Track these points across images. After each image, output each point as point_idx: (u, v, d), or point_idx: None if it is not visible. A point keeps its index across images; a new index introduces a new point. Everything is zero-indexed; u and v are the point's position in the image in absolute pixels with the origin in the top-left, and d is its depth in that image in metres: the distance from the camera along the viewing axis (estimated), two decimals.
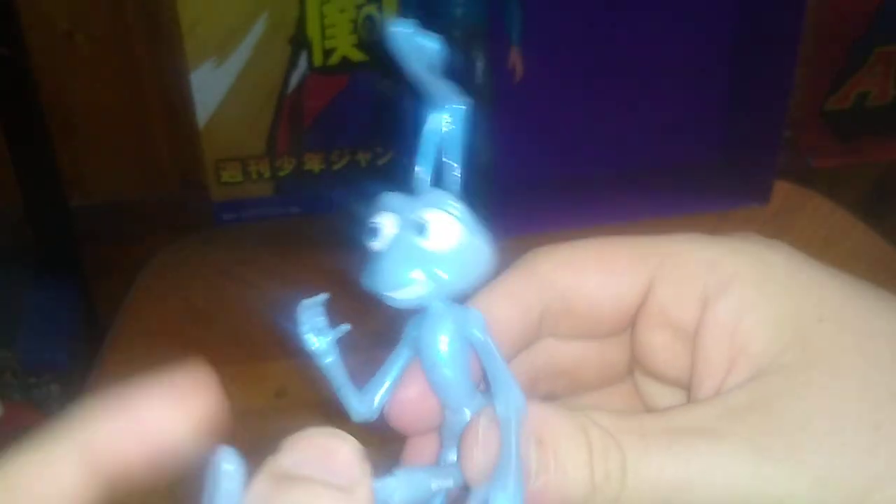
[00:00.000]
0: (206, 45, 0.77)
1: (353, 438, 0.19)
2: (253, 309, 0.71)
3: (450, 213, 0.21)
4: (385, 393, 0.24)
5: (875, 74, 0.93)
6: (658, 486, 0.20)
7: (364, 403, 0.24)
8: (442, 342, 0.22)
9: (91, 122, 0.89)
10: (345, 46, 0.78)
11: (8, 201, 0.89)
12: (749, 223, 0.77)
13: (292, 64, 0.78)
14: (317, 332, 0.23)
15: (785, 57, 0.73)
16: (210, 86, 0.78)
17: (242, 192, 0.82)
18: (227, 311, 0.71)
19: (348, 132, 0.81)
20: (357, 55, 0.79)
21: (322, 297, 0.23)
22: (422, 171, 0.22)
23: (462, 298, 0.23)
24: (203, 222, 0.84)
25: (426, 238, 0.21)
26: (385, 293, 0.22)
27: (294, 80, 0.79)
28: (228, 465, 0.20)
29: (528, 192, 0.81)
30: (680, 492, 0.20)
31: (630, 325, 0.26)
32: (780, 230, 0.76)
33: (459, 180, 0.22)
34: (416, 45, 0.21)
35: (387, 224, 0.22)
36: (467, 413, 0.22)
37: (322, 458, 0.18)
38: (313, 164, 0.82)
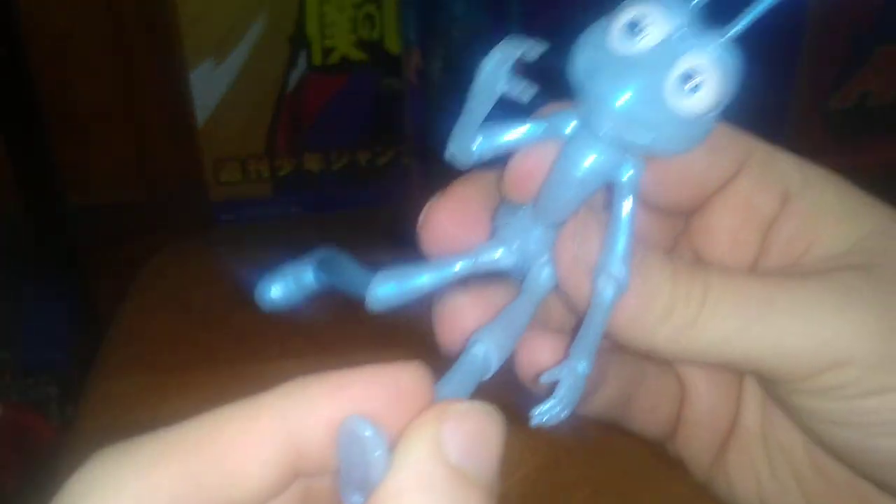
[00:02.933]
0: (205, 44, 0.76)
1: (502, 421, 0.19)
2: (252, 309, 0.71)
3: (724, 73, 0.19)
4: (492, 140, 0.22)
5: (877, 74, 0.93)
6: (737, 315, 0.21)
7: (467, 140, 0.22)
8: (589, 157, 0.21)
9: (90, 122, 0.89)
10: (344, 45, 0.78)
11: (6, 201, 0.89)
12: None
13: (291, 63, 0.78)
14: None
15: (786, 56, 0.73)
16: (209, 85, 0.78)
17: (241, 192, 0.82)
18: (227, 312, 0.71)
19: (348, 131, 0.81)
20: (357, 54, 0.78)
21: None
22: None
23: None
24: (202, 222, 0.84)
25: (683, 92, 0.19)
26: (601, 101, 0.19)
27: (293, 79, 0.79)
28: (367, 431, 0.19)
29: None
30: (755, 325, 0.21)
31: (701, 203, 0.25)
32: None
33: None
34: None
35: (653, 31, 0.18)
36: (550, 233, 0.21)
37: (484, 453, 0.18)
38: (313, 163, 0.82)
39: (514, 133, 0.22)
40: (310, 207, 0.83)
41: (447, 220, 0.23)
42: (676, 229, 0.26)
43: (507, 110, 0.21)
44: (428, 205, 0.23)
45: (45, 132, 0.87)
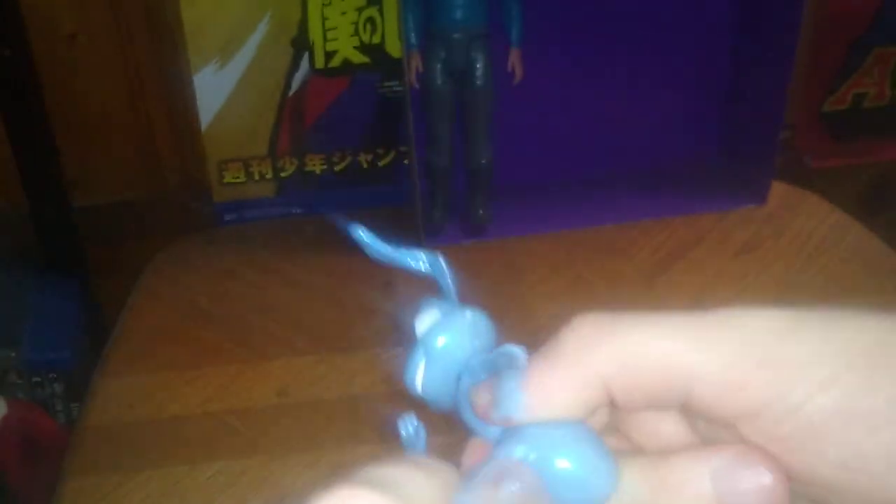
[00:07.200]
0: (209, 47, 0.77)
1: None
2: (255, 308, 0.72)
3: (430, 308, 0.25)
4: None
5: (873, 75, 0.94)
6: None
7: None
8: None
9: (94, 124, 0.90)
10: (346, 48, 0.79)
11: (12, 202, 0.89)
12: (747, 223, 0.77)
13: (294, 66, 0.79)
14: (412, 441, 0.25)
15: (783, 58, 0.74)
16: (213, 87, 0.78)
17: (244, 192, 0.83)
18: (230, 311, 0.71)
19: (349, 133, 0.82)
20: (358, 57, 0.79)
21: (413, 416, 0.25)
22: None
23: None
24: (205, 223, 0.85)
25: (417, 332, 0.25)
26: (412, 390, 0.25)
27: (296, 81, 0.79)
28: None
29: (528, 192, 0.82)
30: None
31: None
32: (777, 230, 0.76)
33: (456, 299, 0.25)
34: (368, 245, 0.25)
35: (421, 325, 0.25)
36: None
37: None
38: (315, 164, 0.83)
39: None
40: (312, 208, 0.84)
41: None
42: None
43: None
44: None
45: (50, 133, 0.88)
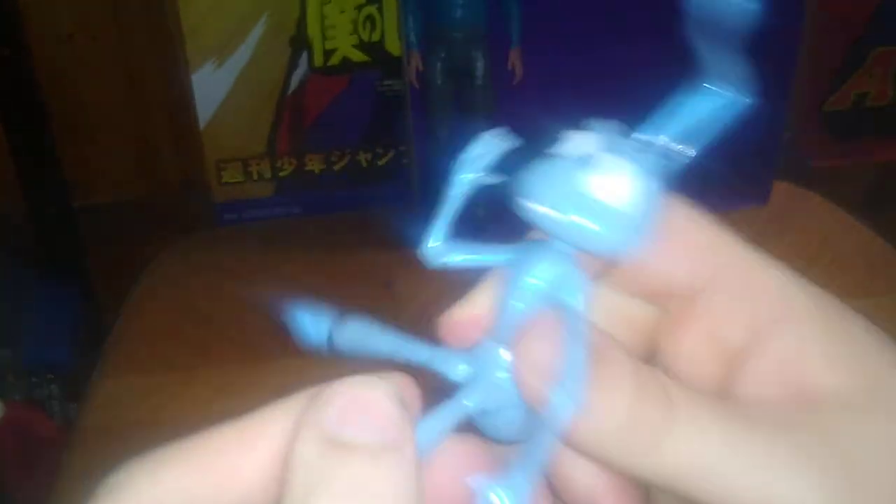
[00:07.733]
0: (207, 46, 0.77)
1: (389, 382, 0.19)
2: (254, 309, 0.71)
3: (630, 170, 0.19)
4: (460, 255, 0.22)
5: (874, 75, 0.94)
6: (705, 452, 0.19)
7: (437, 246, 0.22)
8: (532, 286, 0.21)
9: (93, 124, 0.90)
10: (345, 47, 0.79)
11: (10, 202, 0.89)
12: (749, 223, 0.77)
13: (293, 64, 0.79)
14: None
15: (784, 58, 0.74)
16: (211, 87, 0.78)
17: (243, 192, 0.82)
18: (228, 311, 0.71)
19: (348, 132, 0.82)
20: (357, 56, 0.79)
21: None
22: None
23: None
24: (204, 223, 0.85)
25: (590, 181, 0.19)
26: (524, 203, 0.20)
27: (295, 80, 0.79)
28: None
29: None
30: (718, 474, 0.18)
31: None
32: (779, 230, 0.76)
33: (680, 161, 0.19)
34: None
35: (576, 144, 0.19)
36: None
37: (366, 417, 0.18)
38: (314, 164, 0.83)
39: (483, 256, 0.22)
40: (311, 208, 0.84)
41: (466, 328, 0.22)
42: (648, 348, 0.24)
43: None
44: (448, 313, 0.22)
45: (49, 133, 0.88)
